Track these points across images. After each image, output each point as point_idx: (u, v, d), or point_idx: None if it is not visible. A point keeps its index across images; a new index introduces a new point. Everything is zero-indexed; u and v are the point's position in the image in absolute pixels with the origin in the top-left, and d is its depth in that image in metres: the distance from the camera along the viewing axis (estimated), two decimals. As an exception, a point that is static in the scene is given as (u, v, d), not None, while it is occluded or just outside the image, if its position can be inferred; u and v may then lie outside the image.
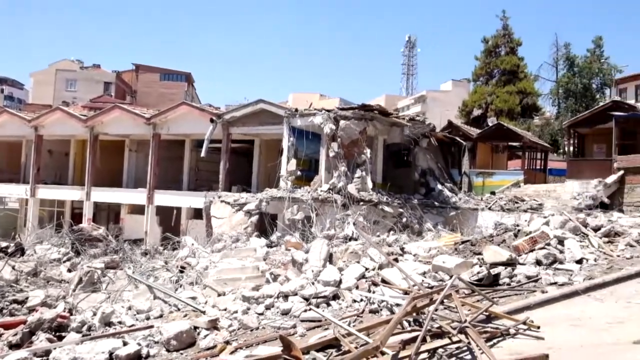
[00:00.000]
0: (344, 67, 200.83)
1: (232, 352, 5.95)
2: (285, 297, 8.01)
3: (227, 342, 6.26)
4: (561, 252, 9.55)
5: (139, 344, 6.15)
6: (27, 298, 8.00)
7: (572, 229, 11.06)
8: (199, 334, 6.57)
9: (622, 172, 21.56)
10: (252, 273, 9.92)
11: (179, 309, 7.92)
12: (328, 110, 18.62)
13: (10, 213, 27.55)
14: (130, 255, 13.13)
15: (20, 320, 6.86)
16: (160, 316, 7.69)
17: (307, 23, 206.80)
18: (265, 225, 16.19)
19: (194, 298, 8.38)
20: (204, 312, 7.46)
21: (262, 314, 7.50)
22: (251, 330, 6.81)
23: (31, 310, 7.51)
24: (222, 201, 18.42)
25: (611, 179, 21.43)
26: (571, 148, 29.06)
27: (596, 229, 11.55)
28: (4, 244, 13.02)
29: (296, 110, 19.32)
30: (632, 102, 41.85)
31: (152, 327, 6.87)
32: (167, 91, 68.10)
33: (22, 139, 28.97)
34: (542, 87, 53.18)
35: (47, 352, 5.92)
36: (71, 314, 7.34)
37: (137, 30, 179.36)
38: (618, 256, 9.82)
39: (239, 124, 21.19)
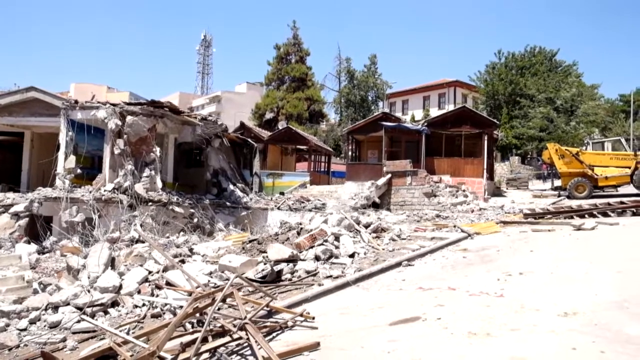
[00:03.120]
0: (137, 60, 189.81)
1: (-18, 378, 5.16)
2: (56, 308, 7.23)
3: (-24, 367, 5.40)
4: (337, 247, 10.47)
5: None
6: None
7: (347, 226, 12.23)
8: (-64, 362, 5.53)
9: (389, 175, 24.72)
10: (15, 284, 8.71)
11: None
12: (113, 104, 17.39)
13: None
14: None
15: None
16: None
17: (94, 9, 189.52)
18: (37, 229, 14.38)
19: None
20: (-56, 336, 6.28)
21: (24, 329, 6.63)
22: (9, 350, 5.97)
23: None
24: (-20, 202, 15.78)
25: (381, 181, 24.39)
26: (350, 152, 32.26)
27: (367, 226, 12.99)
28: None
29: (76, 102, 17.62)
30: (399, 114, 48.37)
31: None
32: None
33: None
34: (327, 95, 58.11)
35: None
36: None
37: None
38: (383, 249, 11.13)
39: (4, 113, 18.48)
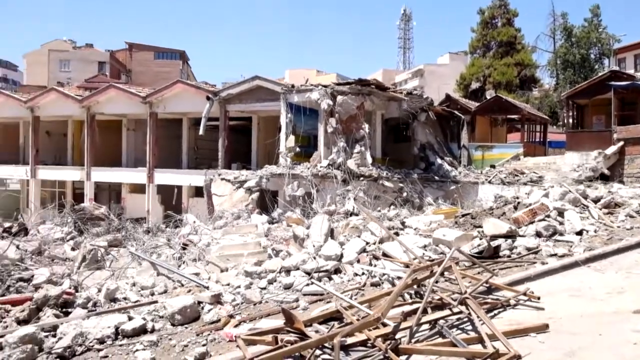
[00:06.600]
0: (341, 42, 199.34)
1: (235, 326, 6.02)
2: (287, 271, 8.08)
3: (231, 316, 6.33)
4: (561, 223, 9.62)
5: (144, 319, 6.21)
6: (32, 276, 8.05)
7: (571, 201, 11.11)
8: (202, 308, 6.64)
9: (621, 143, 21.58)
10: (254, 249, 9.97)
11: (182, 285, 7.98)
12: (325, 86, 18.49)
13: (12, 194, 27.64)
14: (133, 233, 13.19)
15: (27, 297, 6.92)
16: (164, 292, 7.75)
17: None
18: (266, 202, 16.25)
19: (197, 274, 8.44)
20: (207, 288, 7.51)
21: (264, 288, 7.57)
22: (254, 305, 6.88)
23: (37, 287, 7.58)
24: (222, 179, 18.45)
25: (611, 150, 21.45)
26: (570, 120, 29.01)
27: (596, 200, 11.62)
28: (7, 225, 13.08)
29: (293, 86, 19.19)
30: (631, 71, 41.54)
31: (156, 302, 6.93)
32: (161, 70, 67.48)
33: (19, 121, 28.87)
34: (539, 58, 52.84)
35: (55, 327, 6.00)
36: (76, 291, 7.40)
37: (129, 7, 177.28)
38: (618, 227, 9.90)
39: (235, 101, 21.09)
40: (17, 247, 10.03)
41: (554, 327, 5.39)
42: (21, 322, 6.29)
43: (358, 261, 8.31)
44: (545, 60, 53.06)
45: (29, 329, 5.59)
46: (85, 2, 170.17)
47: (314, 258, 8.28)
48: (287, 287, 7.51)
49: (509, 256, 8.32)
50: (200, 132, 21.24)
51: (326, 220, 10.13)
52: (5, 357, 4.95)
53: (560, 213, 10.02)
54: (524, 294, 6.37)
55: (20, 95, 29.34)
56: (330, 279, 7.84)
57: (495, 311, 6.06)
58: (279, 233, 11.76)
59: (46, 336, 5.77)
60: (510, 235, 8.89)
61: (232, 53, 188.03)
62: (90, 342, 5.65)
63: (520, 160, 25.24)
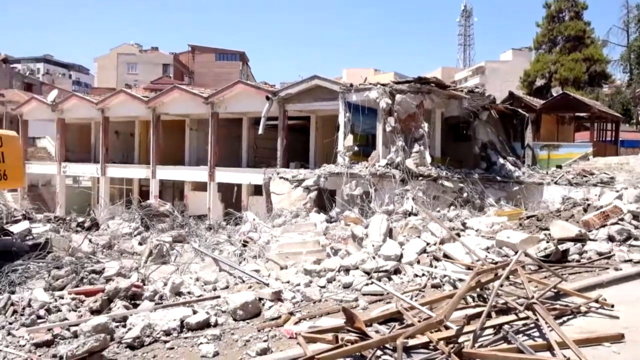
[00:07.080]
0: (399, 41, 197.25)
1: (296, 323, 6.07)
2: (347, 271, 8.07)
3: (291, 313, 6.39)
4: (636, 227, 9.11)
5: (207, 313, 6.39)
6: (103, 269, 8.49)
7: (647, 203, 10.46)
8: (263, 304, 6.75)
9: (703, 142, 20.09)
10: (312, 247, 10.01)
11: (243, 281, 8.14)
12: (383, 85, 18.31)
13: (85, 191, 29.31)
14: (196, 229, 13.59)
15: (99, 289, 7.31)
16: (226, 287, 7.94)
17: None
18: (324, 200, 16.29)
19: (257, 271, 8.58)
20: (267, 285, 7.63)
21: (324, 287, 7.59)
22: (314, 303, 6.92)
23: (108, 279, 7.98)
24: (280, 177, 18.66)
25: (691, 149, 20.04)
26: (645, 118, 27.32)
27: (675, 204, 10.88)
28: (80, 219, 13.85)
29: (351, 85, 19.12)
30: None
31: (219, 297, 7.11)
32: (222, 71, 69.25)
33: (90, 121, 30.54)
34: (611, 52, 49.82)
35: (125, 318, 6.29)
36: (144, 284, 7.73)
37: (191, 10, 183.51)
38: (701, 232, 9.23)
39: (294, 100, 21.27)
40: (90, 241, 10.59)
41: (630, 337, 5.09)
42: (94, 312, 6.63)
43: (418, 262, 8.18)
44: (617, 55, 50.18)
45: (102, 318, 5.87)
46: (151, 7, 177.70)
47: (373, 258, 8.22)
48: (346, 286, 7.50)
49: (578, 261, 7.95)
50: (260, 131, 21.59)
51: (385, 219, 10.03)
52: (80, 344, 5.23)
53: (635, 216, 9.47)
54: (596, 300, 6.06)
55: (91, 97, 30.99)
56: (389, 279, 7.77)
57: (565, 318, 5.81)
58: (337, 232, 11.75)
59: (117, 326, 6.05)
60: (580, 239, 8.48)
61: (290, 53, 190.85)
62: (157, 333, 5.87)
63: (589, 161, 24.01)
